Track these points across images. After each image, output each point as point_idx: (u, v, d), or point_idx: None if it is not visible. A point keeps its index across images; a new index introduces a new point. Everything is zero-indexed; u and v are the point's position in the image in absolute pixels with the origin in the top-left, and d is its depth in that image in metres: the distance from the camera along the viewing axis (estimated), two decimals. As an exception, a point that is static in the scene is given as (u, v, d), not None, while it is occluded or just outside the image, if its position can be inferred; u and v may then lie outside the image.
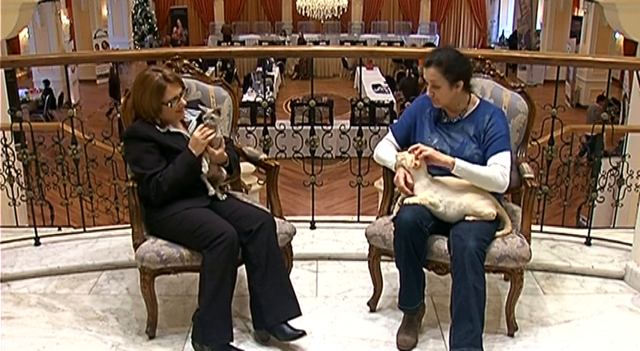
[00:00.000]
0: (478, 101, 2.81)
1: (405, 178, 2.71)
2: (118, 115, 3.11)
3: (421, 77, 3.02)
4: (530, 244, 2.69)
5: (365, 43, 17.35)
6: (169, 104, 2.68)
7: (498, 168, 2.66)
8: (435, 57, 2.70)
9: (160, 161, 2.67)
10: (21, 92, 12.39)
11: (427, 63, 2.71)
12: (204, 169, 2.70)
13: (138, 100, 2.70)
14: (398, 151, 2.86)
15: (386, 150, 2.88)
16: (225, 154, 2.78)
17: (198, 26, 20.54)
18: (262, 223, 2.67)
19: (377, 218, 2.93)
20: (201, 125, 2.68)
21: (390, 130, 2.94)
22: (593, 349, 2.72)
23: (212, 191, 2.74)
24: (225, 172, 2.82)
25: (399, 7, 20.53)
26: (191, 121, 2.81)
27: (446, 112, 2.80)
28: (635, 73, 4.18)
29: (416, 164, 2.68)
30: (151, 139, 2.67)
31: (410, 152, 2.72)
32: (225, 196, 2.80)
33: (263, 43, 17.31)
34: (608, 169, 3.93)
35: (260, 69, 14.38)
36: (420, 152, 2.68)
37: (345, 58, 16.16)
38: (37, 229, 3.63)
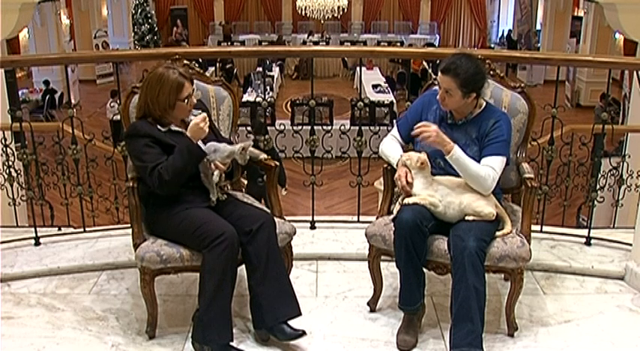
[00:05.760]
0: (484, 104, 2.80)
1: (407, 176, 2.72)
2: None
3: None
4: (530, 244, 2.68)
5: (365, 43, 17.34)
6: (185, 101, 2.69)
7: (490, 171, 2.67)
8: (453, 66, 2.65)
9: (162, 155, 2.66)
10: (21, 92, 12.39)
11: (445, 69, 2.65)
12: (215, 178, 2.72)
13: (153, 98, 2.68)
14: (402, 146, 2.87)
15: (390, 145, 2.88)
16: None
17: (198, 26, 20.56)
18: (262, 223, 2.67)
19: (377, 218, 2.93)
20: (203, 114, 2.70)
21: (395, 125, 2.94)
22: (593, 349, 2.72)
23: (213, 198, 2.74)
24: (223, 173, 2.82)
25: (399, 7, 20.54)
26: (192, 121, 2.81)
27: (452, 114, 2.80)
28: (635, 73, 4.18)
29: (423, 163, 2.68)
30: (151, 136, 2.67)
31: (417, 128, 2.67)
32: (225, 196, 2.81)
33: (263, 43, 17.31)
34: (608, 169, 3.93)
35: (260, 69, 14.37)
36: (424, 138, 2.65)
37: (345, 58, 16.16)
38: (37, 229, 3.63)
